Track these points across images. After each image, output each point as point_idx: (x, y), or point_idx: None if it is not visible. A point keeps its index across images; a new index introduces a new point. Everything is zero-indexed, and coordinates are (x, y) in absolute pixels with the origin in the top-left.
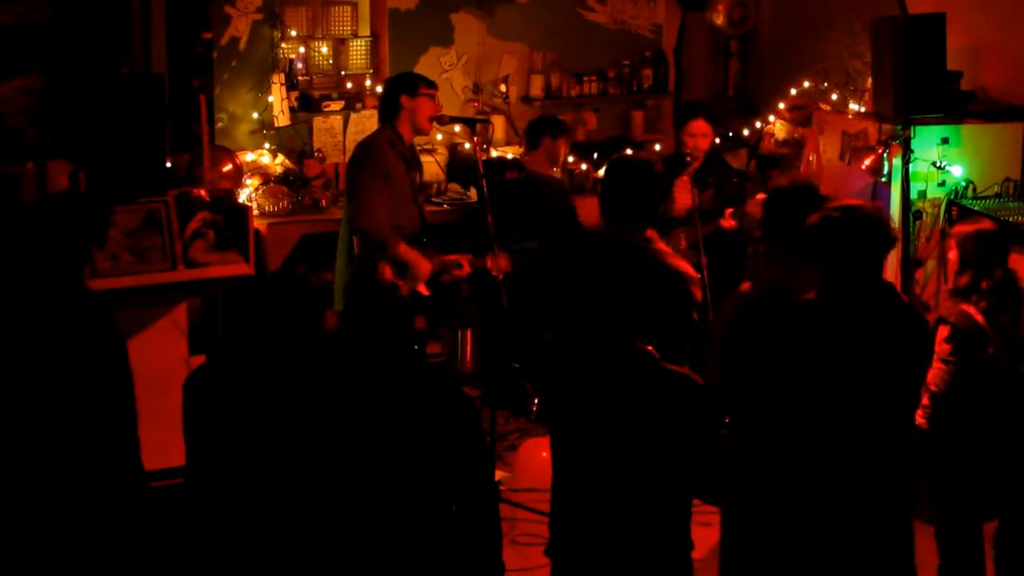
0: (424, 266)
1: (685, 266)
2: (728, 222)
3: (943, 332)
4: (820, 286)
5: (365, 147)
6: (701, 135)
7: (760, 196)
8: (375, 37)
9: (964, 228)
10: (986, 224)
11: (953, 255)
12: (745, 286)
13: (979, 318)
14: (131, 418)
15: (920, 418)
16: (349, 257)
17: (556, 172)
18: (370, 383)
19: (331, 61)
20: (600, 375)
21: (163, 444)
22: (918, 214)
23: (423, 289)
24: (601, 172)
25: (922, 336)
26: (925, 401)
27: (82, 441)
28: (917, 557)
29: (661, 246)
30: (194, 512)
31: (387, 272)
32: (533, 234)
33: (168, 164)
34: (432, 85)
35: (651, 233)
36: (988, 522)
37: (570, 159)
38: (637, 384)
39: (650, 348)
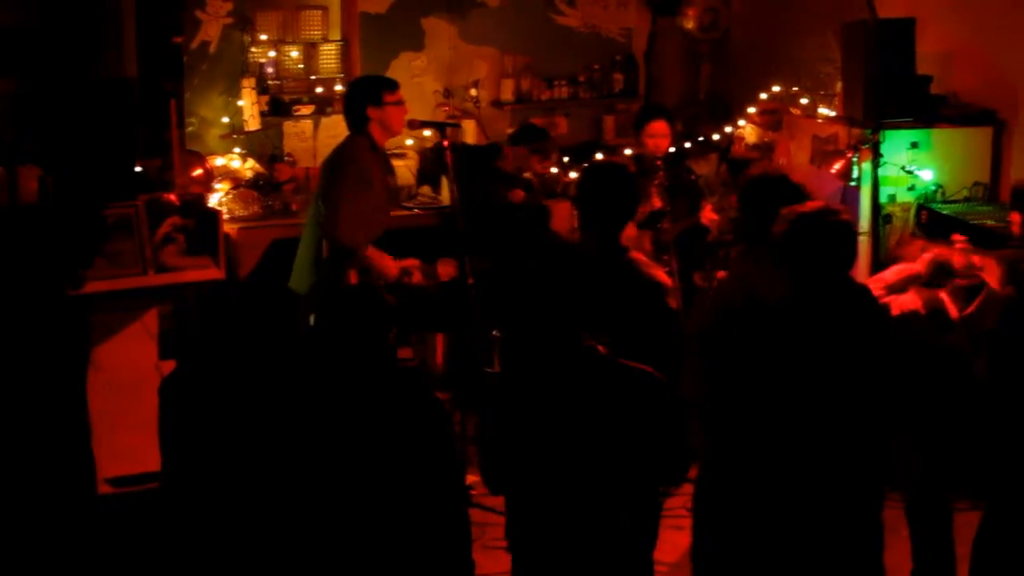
0: (390, 270)
1: (661, 275)
2: (709, 216)
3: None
4: (789, 289)
5: (345, 156)
6: (661, 135)
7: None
8: (346, 41)
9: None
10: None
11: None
12: (721, 274)
13: (949, 306)
14: (83, 428)
15: None
16: (316, 259)
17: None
18: (343, 386)
19: (302, 65)
20: (554, 374)
21: (134, 449)
22: (888, 218)
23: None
24: (572, 176)
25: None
26: None
27: (31, 447)
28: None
29: (637, 255)
30: (170, 515)
31: (352, 277)
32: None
33: (139, 168)
34: (394, 87)
35: (626, 240)
36: (955, 497)
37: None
38: (591, 381)
39: (600, 347)
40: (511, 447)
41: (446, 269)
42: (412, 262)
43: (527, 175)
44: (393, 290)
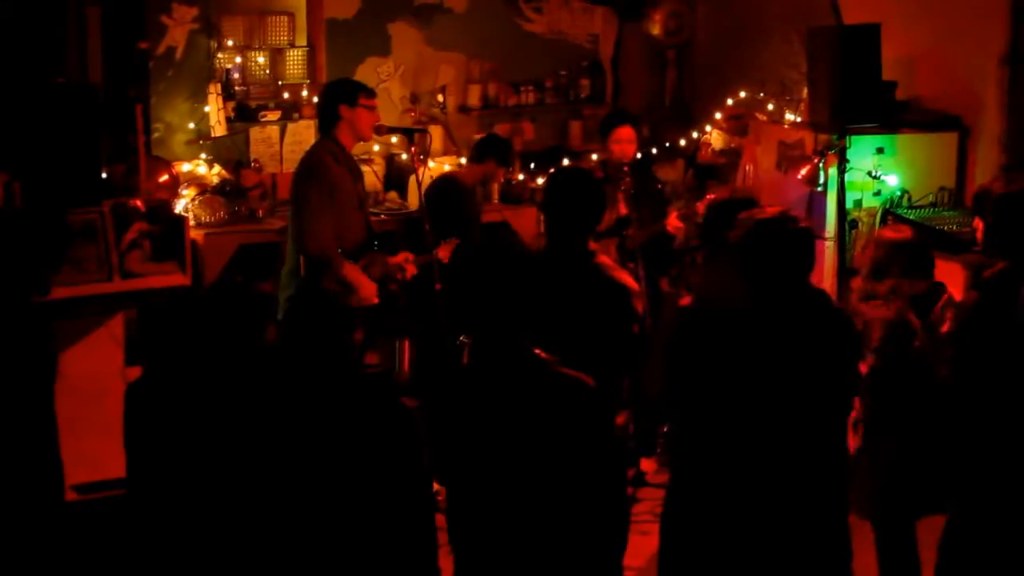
0: (368, 288)
1: (628, 279)
2: (674, 223)
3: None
4: (749, 296)
5: (309, 163)
6: (627, 141)
7: (709, 196)
8: (312, 47)
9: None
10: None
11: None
12: (685, 300)
13: (909, 313)
14: (50, 435)
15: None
16: (294, 270)
17: (478, 188)
18: (307, 393)
19: (268, 71)
20: (490, 378)
21: (100, 456)
22: (854, 223)
23: (373, 297)
24: (539, 182)
25: (852, 340)
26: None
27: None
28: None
29: (604, 259)
30: (136, 522)
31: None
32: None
33: (104, 174)
34: (371, 93)
35: (593, 245)
36: (921, 517)
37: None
38: (526, 387)
39: (539, 351)
40: (451, 447)
41: (447, 252)
42: (406, 256)
43: (494, 186)
44: (382, 288)
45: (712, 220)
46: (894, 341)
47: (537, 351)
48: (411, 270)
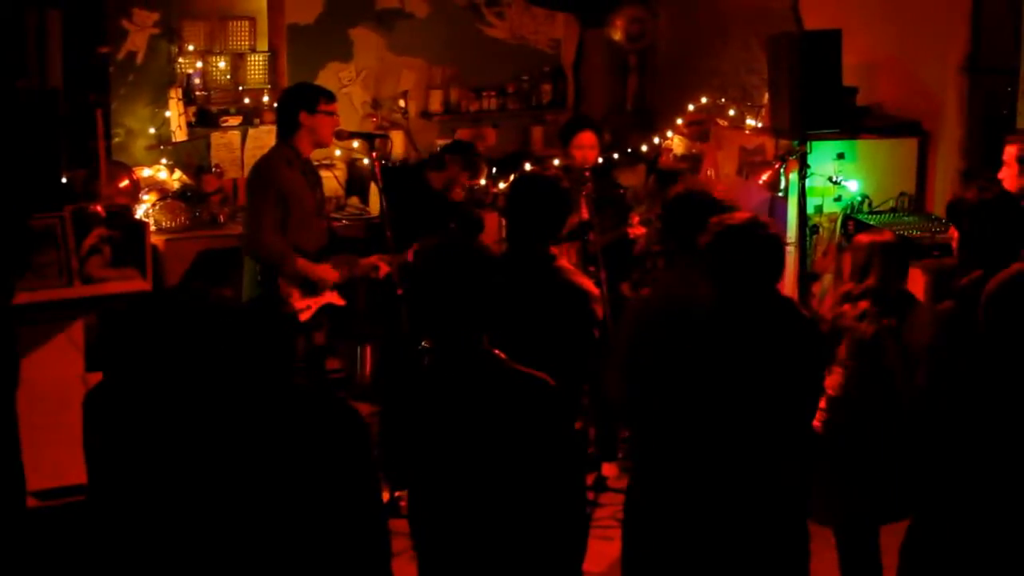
0: (328, 275)
1: (588, 283)
2: (636, 229)
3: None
4: (714, 299)
5: (257, 170)
6: (589, 147)
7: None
8: (273, 52)
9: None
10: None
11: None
12: (646, 291)
13: (885, 335)
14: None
15: (816, 421)
16: (254, 276)
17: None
18: (255, 401)
19: (229, 76)
20: (448, 378)
21: (60, 462)
22: (815, 228)
23: (338, 299)
24: (501, 186)
25: (818, 348)
26: (822, 405)
27: None
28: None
29: (564, 263)
30: (95, 528)
31: (294, 293)
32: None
33: (64, 179)
34: (331, 98)
35: (554, 249)
36: (884, 523)
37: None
38: (483, 385)
39: (497, 351)
40: (413, 450)
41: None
42: (376, 258)
43: (457, 190)
44: (343, 290)
45: (673, 216)
46: (866, 357)
47: (496, 352)
48: (385, 268)
